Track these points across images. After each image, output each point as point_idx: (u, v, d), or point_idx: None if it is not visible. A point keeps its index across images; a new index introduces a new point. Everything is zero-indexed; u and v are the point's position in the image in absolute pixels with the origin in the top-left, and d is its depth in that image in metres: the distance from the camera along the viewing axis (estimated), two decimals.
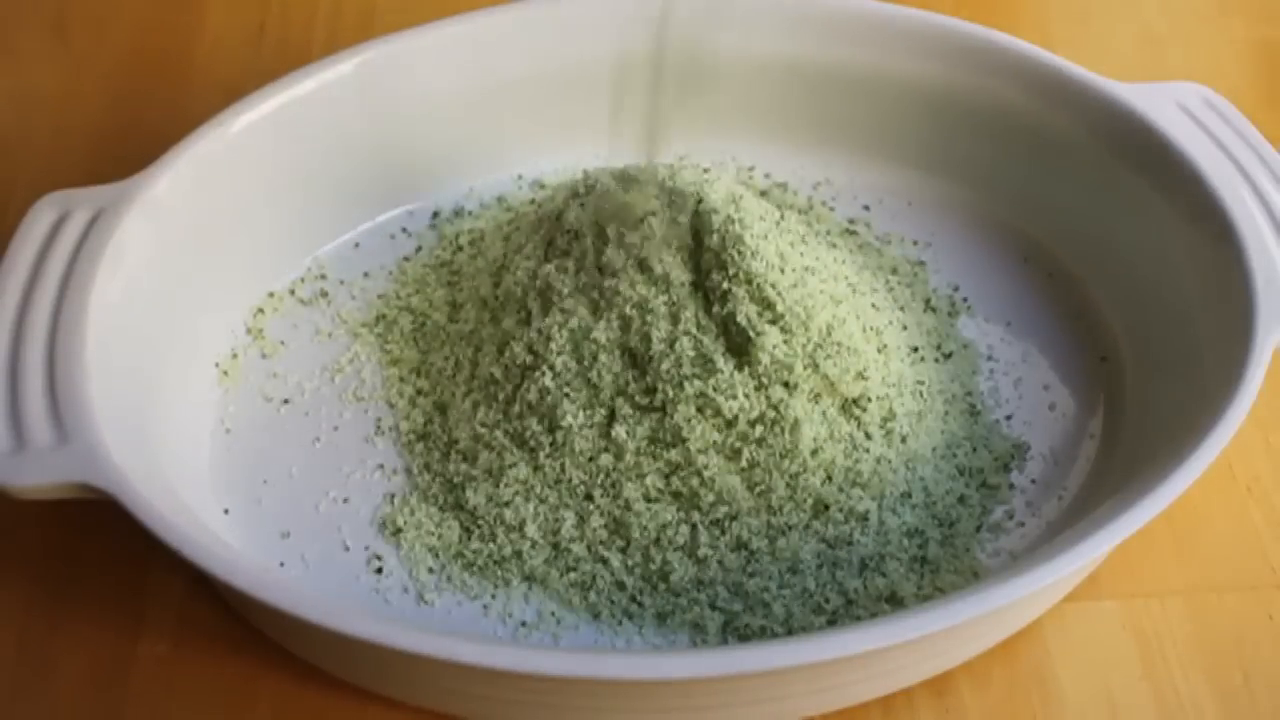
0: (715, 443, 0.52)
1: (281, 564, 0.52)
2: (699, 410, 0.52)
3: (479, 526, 0.53)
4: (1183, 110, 0.59)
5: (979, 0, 0.74)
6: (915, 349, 0.58)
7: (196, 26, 0.73)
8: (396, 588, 0.52)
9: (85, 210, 0.54)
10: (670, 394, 0.52)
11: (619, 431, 0.52)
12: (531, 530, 0.52)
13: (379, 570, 0.52)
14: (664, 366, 0.52)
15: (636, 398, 0.53)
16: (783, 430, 0.52)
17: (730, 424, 0.52)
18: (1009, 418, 0.57)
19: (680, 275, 0.53)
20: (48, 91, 0.70)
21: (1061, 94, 0.61)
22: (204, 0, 0.74)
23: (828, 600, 0.51)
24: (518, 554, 0.52)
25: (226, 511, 0.53)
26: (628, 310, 0.53)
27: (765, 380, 0.52)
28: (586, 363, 0.53)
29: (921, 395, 0.56)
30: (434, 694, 0.49)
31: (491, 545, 0.52)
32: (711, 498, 0.52)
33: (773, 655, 0.44)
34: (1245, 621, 0.52)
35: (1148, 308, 0.58)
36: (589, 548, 0.52)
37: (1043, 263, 0.62)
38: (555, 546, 0.52)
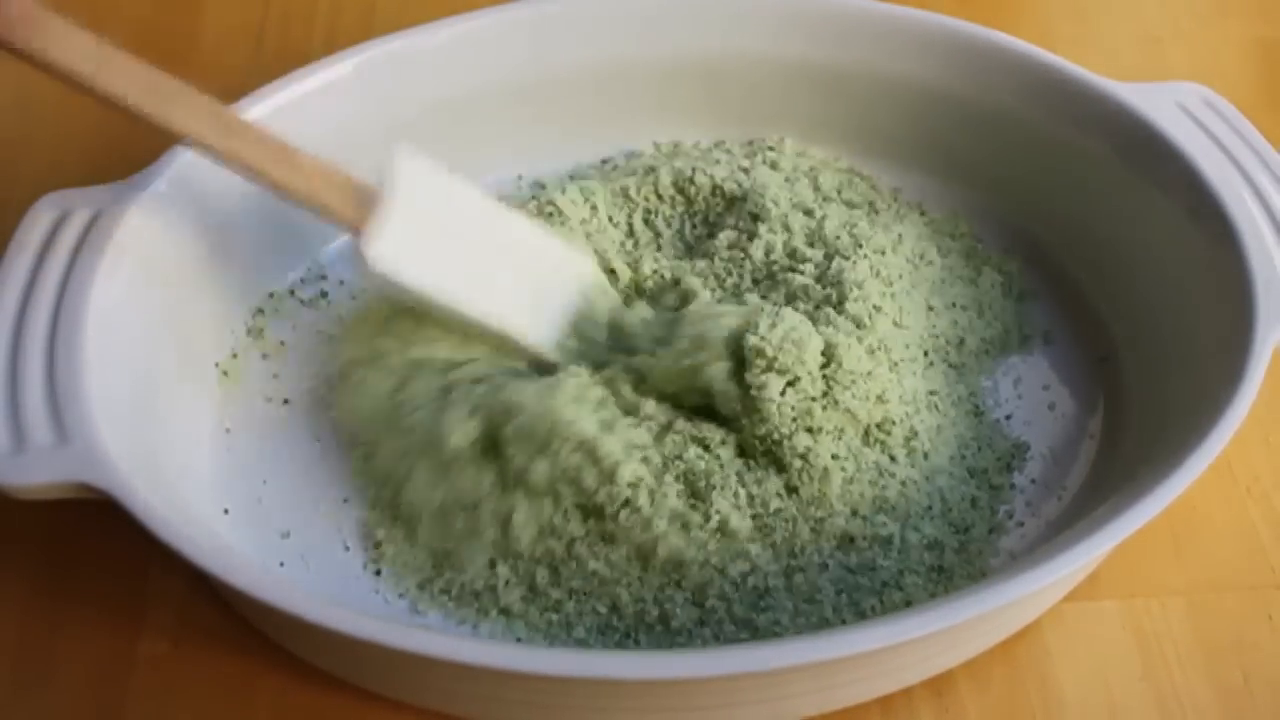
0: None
1: (281, 564, 0.52)
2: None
3: (448, 558, 0.51)
4: (1183, 110, 0.59)
5: (979, 0, 0.74)
6: (925, 354, 0.57)
7: (196, 27, 0.73)
8: (396, 588, 0.52)
9: (85, 210, 0.54)
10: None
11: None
12: (503, 570, 0.51)
13: (379, 571, 0.52)
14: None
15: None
16: (811, 479, 0.51)
17: (759, 515, 0.51)
18: (1009, 418, 0.57)
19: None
20: (48, 92, 0.70)
21: (1061, 94, 0.61)
22: (203, 1, 0.74)
23: (844, 621, 0.49)
24: (491, 589, 0.51)
25: (226, 511, 0.53)
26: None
27: (787, 431, 0.51)
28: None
29: (936, 407, 0.55)
30: (434, 694, 0.49)
31: (464, 577, 0.51)
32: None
33: (773, 655, 0.44)
34: (1245, 621, 0.52)
35: (1148, 308, 0.58)
36: (570, 593, 0.50)
37: (1043, 263, 0.62)
38: (531, 589, 0.51)
